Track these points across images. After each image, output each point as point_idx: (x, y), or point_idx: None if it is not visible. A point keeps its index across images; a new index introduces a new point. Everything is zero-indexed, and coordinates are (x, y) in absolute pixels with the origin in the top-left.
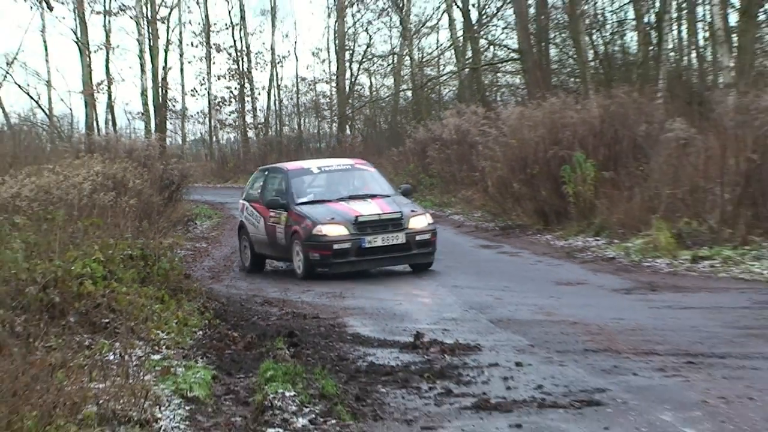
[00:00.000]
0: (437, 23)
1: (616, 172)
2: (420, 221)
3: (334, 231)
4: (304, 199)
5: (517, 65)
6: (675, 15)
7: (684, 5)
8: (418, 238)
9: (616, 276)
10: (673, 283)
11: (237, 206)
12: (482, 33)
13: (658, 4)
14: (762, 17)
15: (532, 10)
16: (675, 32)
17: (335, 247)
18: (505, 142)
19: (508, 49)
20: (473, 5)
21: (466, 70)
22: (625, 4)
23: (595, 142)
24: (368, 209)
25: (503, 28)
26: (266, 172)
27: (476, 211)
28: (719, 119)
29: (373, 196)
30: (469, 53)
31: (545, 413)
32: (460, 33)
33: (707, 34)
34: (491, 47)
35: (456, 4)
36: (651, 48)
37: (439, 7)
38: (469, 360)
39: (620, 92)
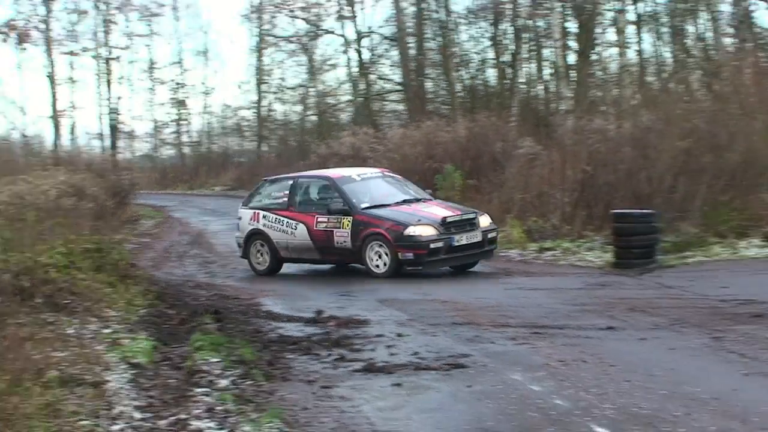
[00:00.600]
0: (337, 62)
1: (479, 181)
2: (485, 220)
3: (426, 232)
4: (366, 204)
5: (400, 95)
6: (526, 55)
7: (533, 47)
8: (489, 235)
9: (479, 264)
10: (523, 269)
11: (184, 211)
12: (372, 69)
13: (512, 47)
14: (594, 57)
15: (412, 51)
16: (526, 69)
17: (431, 246)
18: (390, 156)
19: (393, 82)
20: (365, 47)
21: (360, 99)
22: (487, 46)
23: (462, 157)
24: (444, 212)
25: (390, 66)
26: (291, 182)
27: None
28: (560, 138)
29: (420, 200)
30: (362, 86)
31: (420, 374)
32: (355, 69)
33: (551, 71)
34: (380, 81)
35: (351, 46)
36: (506, 81)
37: (338, 49)
38: (360, 332)
39: (482, 117)
